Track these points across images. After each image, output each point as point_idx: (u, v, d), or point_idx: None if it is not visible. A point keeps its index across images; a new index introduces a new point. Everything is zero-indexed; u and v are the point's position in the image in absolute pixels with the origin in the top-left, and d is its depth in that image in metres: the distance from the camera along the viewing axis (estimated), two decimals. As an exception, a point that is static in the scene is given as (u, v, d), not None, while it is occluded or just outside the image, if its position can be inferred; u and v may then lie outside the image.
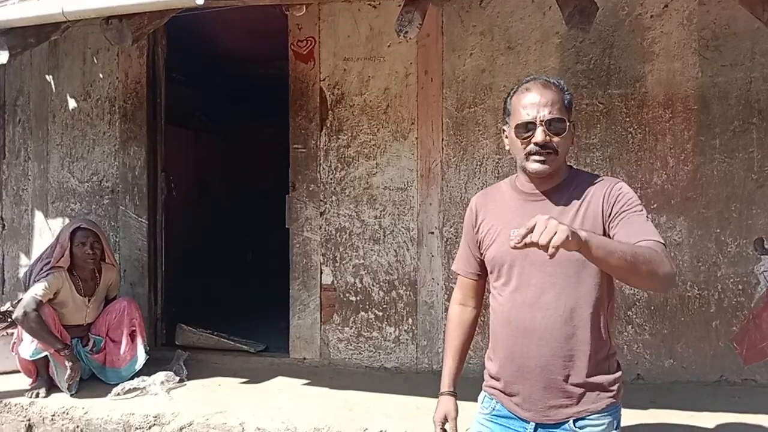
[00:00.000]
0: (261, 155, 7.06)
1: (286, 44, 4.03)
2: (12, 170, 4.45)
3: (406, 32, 2.46)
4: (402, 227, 3.80)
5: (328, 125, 3.90)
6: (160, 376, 3.55)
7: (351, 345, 3.89)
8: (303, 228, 3.94)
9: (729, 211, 3.47)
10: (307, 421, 3.06)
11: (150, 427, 3.16)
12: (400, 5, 3.63)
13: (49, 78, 4.36)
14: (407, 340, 3.81)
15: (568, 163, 1.86)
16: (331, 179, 3.91)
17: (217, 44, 5.65)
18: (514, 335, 1.78)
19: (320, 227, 3.93)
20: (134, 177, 4.17)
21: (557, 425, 1.76)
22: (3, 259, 4.47)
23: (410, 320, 3.80)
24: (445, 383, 2.01)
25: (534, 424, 1.78)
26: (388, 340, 3.82)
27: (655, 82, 3.52)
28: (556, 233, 1.38)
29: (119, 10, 2.48)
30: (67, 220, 4.26)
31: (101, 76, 4.25)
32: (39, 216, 4.37)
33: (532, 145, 1.73)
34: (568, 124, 1.75)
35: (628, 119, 3.55)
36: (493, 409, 1.88)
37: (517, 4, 3.63)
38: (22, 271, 4.39)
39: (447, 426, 1.97)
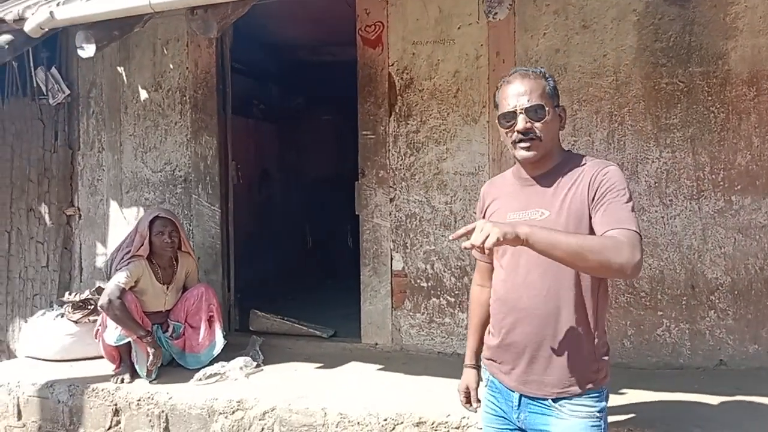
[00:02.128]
0: (317, 142, 7.09)
1: (345, 30, 4.01)
2: (87, 161, 4.57)
3: (496, 13, 2.43)
4: (473, 212, 3.75)
5: (397, 111, 3.89)
6: (239, 361, 3.61)
7: (423, 331, 3.89)
8: (373, 214, 3.95)
9: (817, 191, 3.34)
10: (389, 407, 3.06)
11: (234, 412, 3.22)
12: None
13: (120, 69, 4.45)
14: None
15: (567, 148, 2.00)
16: (400, 165, 3.90)
17: (275, 32, 5.69)
18: (505, 312, 1.93)
19: (390, 213, 3.92)
20: (206, 166, 4.24)
21: (538, 399, 1.88)
22: (80, 248, 4.61)
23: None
24: (468, 356, 2.22)
25: (519, 394, 1.91)
26: (461, 326, 3.80)
27: (738, 59, 3.39)
28: (489, 235, 1.56)
29: None
30: (141, 210, 4.37)
31: (171, 66, 4.32)
32: (114, 205, 4.48)
33: (515, 133, 1.85)
34: (548, 109, 1.84)
35: (710, 98, 3.43)
36: (488, 380, 2.06)
37: (592, -19, 3.54)
38: (98, 260, 4.53)
39: (470, 395, 2.19)
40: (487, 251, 1.58)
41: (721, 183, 3.43)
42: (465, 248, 1.62)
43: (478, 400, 2.17)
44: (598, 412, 1.86)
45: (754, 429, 2.69)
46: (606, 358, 1.91)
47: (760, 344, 3.42)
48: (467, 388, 2.19)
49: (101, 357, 3.76)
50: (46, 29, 2.91)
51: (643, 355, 3.53)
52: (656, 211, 3.49)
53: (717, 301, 3.46)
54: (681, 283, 3.49)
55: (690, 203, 3.46)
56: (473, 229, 1.61)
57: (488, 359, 2.04)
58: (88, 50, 2.82)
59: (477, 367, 2.19)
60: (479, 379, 2.18)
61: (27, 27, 2.94)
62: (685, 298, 3.48)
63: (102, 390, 3.47)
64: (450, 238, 1.72)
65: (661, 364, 3.50)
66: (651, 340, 3.53)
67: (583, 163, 1.89)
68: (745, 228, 3.40)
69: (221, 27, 2.70)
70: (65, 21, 2.78)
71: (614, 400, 2.90)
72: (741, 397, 3.04)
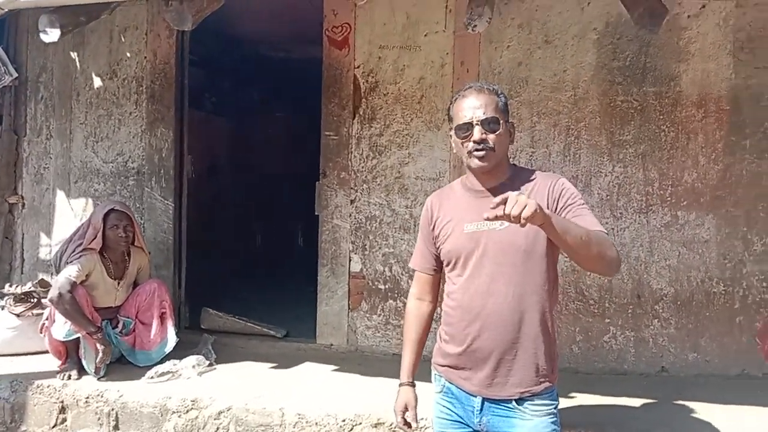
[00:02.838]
0: (270, 140, 7.02)
1: (305, 28, 3.98)
2: (33, 148, 4.38)
3: (475, 26, 2.48)
4: (432, 217, 3.82)
5: (361, 113, 3.90)
6: (191, 359, 3.56)
7: (379, 332, 3.92)
8: (333, 215, 3.95)
9: (756, 211, 3.55)
10: (347, 408, 3.08)
11: (188, 411, 3.17)
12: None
13: (73, 55, 4.29)
14: (435, 329, 3.84)
15: (514, 162, 2.11)
16: (362, 167, 3.91)
17: (233, 25, 5.60)
18: (467, 319, 1.96)
19: (350, 215, 3.94)
20: (161, 159, 4.14)
21: (501, 401, 1.94)
22: (22, 239, 4.42)
23: (439, 309, 3.82)
24: (404, 374, 2.18)
25: (481, 398, 1.96)
26: (416, 329, 3.85)
27: (689, 82, 3.57)
28: (526, 206, 1.57)
29: (184, -8, 2.46)
30: (90, 201, 4.23)
31: (128, 55, 4.19)
32: (60, 195, 4.32)
33: (471, 143, 1.92)
34: (502, 122, 1.94)
35: (661, 117, 3.59)
36: (443, 387, 2.06)
37: (556, -2, 3.66)
38: (42, 251, 4.36)
39: (407, 414, 2.13)
40: (523, 221, 1.57)
41: (669, 198, 3.60)
42: (494, 218, 1.61)
43: (416, 419, 2.14)
44: (555, 408, 1.97)
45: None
46: (557, 357, 2.03)
47: (699, 352, 3.61)
48: (405, 407, 2.13)
49: (44, 352, 3.63)
50: (6, 10, 2.78)
51: (591, 360, 3.67)
52: (607, 223, 3.62)
53: (661, 310, 3.63)
54: (628, 292, 3.64)
55: (639, 216, 3.62)
56: (505, 200, 1.60)
57: (445, 366, 2.05)
58: (51, 35, 2.72)
59: (413, 384, 2.16)
60: (416, 397, 2.14)
61: (-15, 6, 2.80)
62: (631, 306, 3.64)
63: (47, 386, 3.35)
64: (488, 211, 1.61)
65: (607, 370, 3.65)
66: (598, 346, 3.67)
67: (533, 176, 2.00)
68: (689, 242, 3.59)
69: (196, 20, 2.65)
70: (28, 2, 2.67)
71: (564, 403, 3.02)
72: (682, 402, 3.20)
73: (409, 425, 2.14)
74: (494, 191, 1.94)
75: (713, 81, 3.55)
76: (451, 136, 2.02)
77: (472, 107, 1.94)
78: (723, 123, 3.56)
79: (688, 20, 3.56)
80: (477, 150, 1.91)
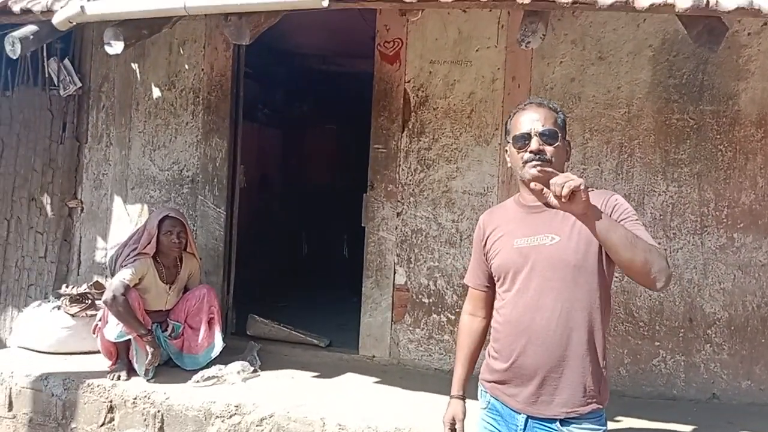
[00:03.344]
0: (319, 151, 7.12)
1: (357, 43, 4.02)
2: (93, 155, 4.55)
3: (529, 42, 2.47)
4: (479, 232, 3.80)
5: (410, 127, 3.93)
6: (236, 365, 3.61)
7: (421, 346, 3.91)
8: (379, 227, 3.97)
9: (817, 235, 3.43)
10: (387, 421, 3.08)
11: (231, 416, 3.22)
12: (489, 10, 3.67)
13: (134, 66, 4.44)
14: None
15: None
16: (410, 180, 3.93)
17: (287, 39, 5.71)
18: (514, 334, 1.94)
19: (396, 227, 3.95)
20: (215, 168, 4.24)
21: (546, 420, 1.90)
22: (80, 242, 4.57)
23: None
24: (455, 387, 2.19)
25: (525, 416, 1.93)
26: (460, 344, 3.83)
27: (748, 101, 3.48)
28: (572, 180, 1.62)
29: (243, 8, 2.53)
30: (145, 207, 4.36)
31: (186, 67, 4.33)
32: (118, 201, 4.47)
33: (528, 154, 1.91)
34: (560, 136, 1.93)
35: (718, 136, 3.51)
36: (488, 403, 2.05)
37: (611, 14, 3.58)
38: (98, 254, 4.50)
39: (456, 427, 2.15)
40: (564, 198, 1.62)
41: (725, 220, 3.50)
42: (539, 190, 1.68)
43: None
44: (605, 430, 1.92)
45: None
46: (607, 378, 1.97)
47: (753, 380, 3.49)
48: (453, 419, 2.16)
49: (96, 352, 3.75)
50: (74, 23, 2.91)
51: (638, 384, 3.58)
52: (660, 244, 3.52)
53: (713, 335, 3.52)
54: (679, 315, 3.55)
55: (693, 238, 3.53)
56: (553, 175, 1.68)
57: (491, 382, 2.04)
58: (116, 47, 2.83)
59: (464, 398, 2.17)
60: (465, 410, 2.16)
61: (55, 20, 2.93)
62: (682, 330, 3.54)
63: (98, 386, 3.45)
64: (532, 187, 1.71)
65: (655, 394, 3.55)
66: (647, 369, 3.58)
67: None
68: (746, 265, 3.48)
69: (253, 35, 2.72)
70: (95, 17, 2.78)
71: (610, 425, 2.92)
72: (733, 431, 3.09)
73: None
74: (546, 207, 1.92)
75: (774, 100, 3.45)
76: (507, 150, 2.03)
77: (530, 120, 1.94)
78: (783, 143, 3.45)
79: (748, 38, 3.48)
80: (533, 160, 1.90)
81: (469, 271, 2.21)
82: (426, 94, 3.90)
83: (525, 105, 2.02)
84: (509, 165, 2.04)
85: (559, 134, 1.94)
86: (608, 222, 1.71)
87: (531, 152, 1.91)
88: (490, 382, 2.04)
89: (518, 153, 1.95)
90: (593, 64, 3.64)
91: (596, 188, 2.03)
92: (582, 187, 1.63)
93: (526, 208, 1.99)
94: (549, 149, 1.91)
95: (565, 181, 1.63)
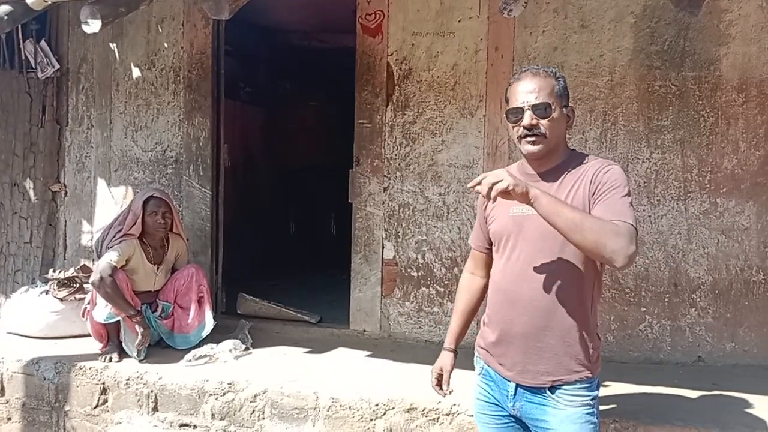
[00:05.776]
0: (304, 129, 7.07)
1: (338, 17, 3.98)
2: (75, 137, 4.50)
3: (511, 10, 2.46)
4: (466, 205, 3.82)
5: (395, 100, 3.91)
6: (228, 344, 3.62)
7: (411, 319, 3.94)
8: (366, 203, 3.98)
9: (799, 197, 3.47)
10: (380, 393, 3.11)
11: (224, 393, 3.24)
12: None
13: (112, 46, 4.38)
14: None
15: (572, 147, 2.07)
16: (395, 155, 3.93)
17: (268, 15, 5.64)
18: (502, 302, 1.98)
19: (383, 202, 3.96)
20: (198, 147, 4.21)
21: (535, 389, 1.94)
22: (65, 225, 4.54)
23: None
24: (449, 340, 2.28)
25: (515, 384, 1.97)
26: (449, 316, 3.83)
27: (729, 66, 3.50)
28: (501, 181, 1.69)
29: (221, -19, 2.49)
30: (130, 189, 4.33)
31: (166, 45, 4.27)
32: (101, 183, 4.43)
33: (521, 129, 1.91)
34: (555, 108, 1.90)
35: (700, 102, 3.53)
36: (482, 369, 2.09)
37: (592, -18, 3.60)
38: (84, 238, 4.48)
39: (443, 377, 2.24)
40: (492, 198, 1.70)
41: (708, 185, 3.53)
42: (474, 189, 1.76)
43: (450, 387, 2.24)
44: (591, 399, 1.94)
45: (731, 422, 2.80)
46: (598, 348, 1.98)
47: (737, 342, 3.55)
48: (441, 369, 2.24)
49: (86, 335, 3.74)
50: (50, 2, 2.86)
51: (625, 349, 3.63)
52: (644, 211, 3.58)
53: (698, 299, 3.57)
54: (664, 280, 3.60)
55: (677, 204, 3.57)
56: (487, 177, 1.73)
57: (483, 348, 2.08)
58: (93, 26, 2.78)
59: (455, 351, 2.25)
60: (454, 363, 2.23)
61: (30, -1, 2.88)
62: (667, 295, 3.59)
63: (90, 368, 3.45)
64: (468, 185, 1.79)
65: (642, 359, 3.61)
66: (633, 335, 3.63)
67: (586, 161, 1.95)
68: (729, 230, 3.52)
69: (233, 9, 2.68)
70: (71, -6, 2.73)
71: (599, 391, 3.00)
72: (718, 392, 3.15)
73: (440, 386, 2.24)
74: (546, 175, 1.95)
75: (755, 65, 3.47)
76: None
77: (525, 91, 1.91)
78: (764, 107, 3.48)
79: (728, 2, 3.48)
80: (527, 136, 1.90)
81: (472, 233, 2.25)
82: (409, 67, 3.88)
83: (521, 74, 1.99)
84: (509, 135, 2.05)
85: (553, 106, 1.90)
86: (553, 207, 1.73)
87: (524, 127, 1.90)
88: (483, 349, 2.09)
89: (513, 128, 1.95)
90: (575, 32, 3.63)
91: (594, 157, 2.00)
92: (510, 188, 1.69)
93: (526, 177, 1.97)
94: (543, 123, 1.89)
95: (494, 181, 1.70)
